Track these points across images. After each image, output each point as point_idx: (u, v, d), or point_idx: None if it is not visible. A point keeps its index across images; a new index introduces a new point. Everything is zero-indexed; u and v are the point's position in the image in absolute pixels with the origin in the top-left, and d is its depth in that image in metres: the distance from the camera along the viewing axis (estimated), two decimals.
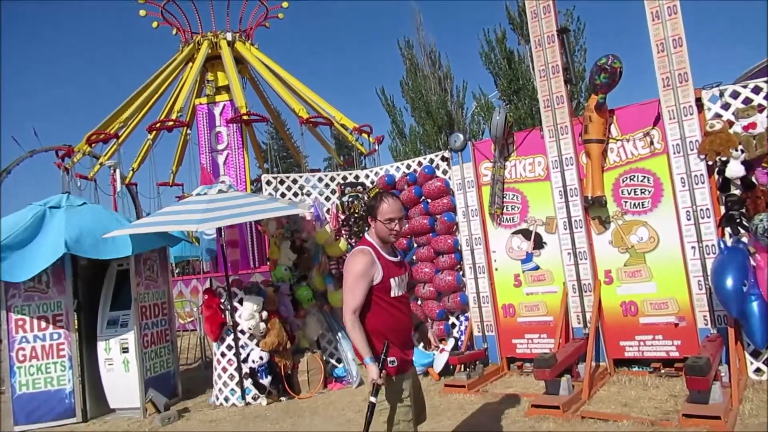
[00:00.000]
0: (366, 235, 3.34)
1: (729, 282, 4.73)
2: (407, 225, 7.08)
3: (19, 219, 6.46)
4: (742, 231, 5.15)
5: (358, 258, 3.13)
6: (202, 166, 16.30)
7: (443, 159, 7.32)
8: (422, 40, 21.93)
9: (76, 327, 6.58)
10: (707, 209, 5.36)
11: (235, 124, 16.41)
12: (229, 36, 18.25)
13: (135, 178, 18.59)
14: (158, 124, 16.28)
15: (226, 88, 17.25)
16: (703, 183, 5.38)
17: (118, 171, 15.14)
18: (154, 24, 18.66)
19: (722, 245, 5.12)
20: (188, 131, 17.45)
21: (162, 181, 19.58)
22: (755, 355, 5.19)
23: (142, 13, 18.58)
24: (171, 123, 15.97)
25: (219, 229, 6.99)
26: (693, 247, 5.45)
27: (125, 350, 6.45)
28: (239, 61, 18.14)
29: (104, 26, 61.91)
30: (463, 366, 6.29)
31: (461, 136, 7.07)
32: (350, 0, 59.90)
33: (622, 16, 44.45)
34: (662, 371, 5.66)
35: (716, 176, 5.32)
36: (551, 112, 6.28)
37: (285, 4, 19.65)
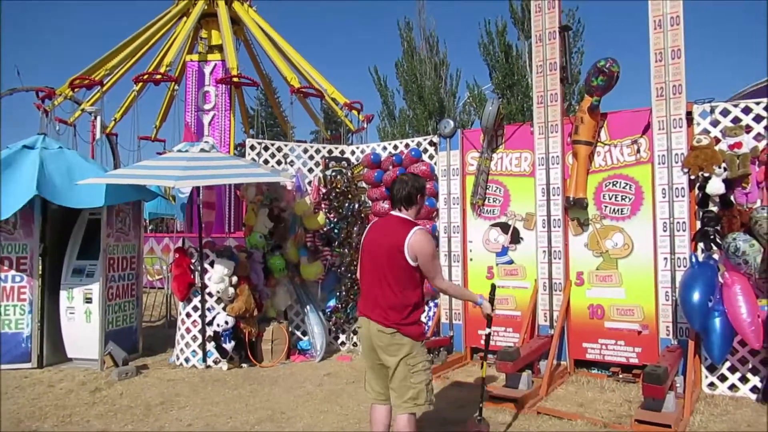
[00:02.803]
0: (407, 216, 3.38)
1: (695, 296, 4.82)
2: (387, 205, 7.05)
3: None
4: (715, 248, 5.23)
5: (429, 237, 3.32)
6: (187, 123, 15.99)
7: (431, 144, 7.28)
8: (423, 24, 21.74)
9: (40, 272, 6.44)
10: (684, 222, 5.43)
11: (224, 85, 16.11)
12: None
13: (116, 128, 18.20)
14: (145, 76, 15.92)
15: (219, 48, 16.89)
16: (683, 196, 5.44)
17: (99, 119, 14.80)
18: None
19: (694, 259, 5.20)
20: (176, 87, 17.08)
21: (144, 135, 19.19)
22: (711, 369, 5.31)
23: None
24: (159, 76, 15.63)
25: (196, 189, 6.88)
26: (665, 258, 5.53)
27: (88, 300, 6.34)
28: (235, 21, 17.75)
29: None
30: (427, 351, 6.32)
31: (451, 122, 7.03)
32: None
33: (622, 21, 44.58)
34: (620, 376, 5.76)
35: (696, 191, 5.38)
36: (544, 109, 6.26)
37: None
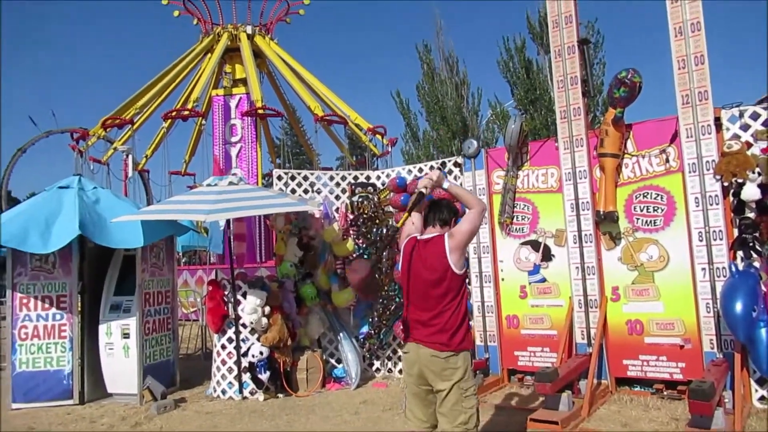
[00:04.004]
0: (440, 232, 3.41)
1: (738, 306, 4.65)
2: None
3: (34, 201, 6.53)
4: (755, 255, 5.08)
5: None
6: (215, 157, 16.34)
7: (456, 164, 7.27)
8: (441, 45, 21.89)
9: (79, 309, 6.60)
10: (720, 231, 5.29)
11: (250, 118, 16.42)
12: (249, 29, 18.26)
13: (147, 165, 18.64)
14: (174, 113, 16.32)
15: (243, 81, 17.27)
16: (717, 204, 5.30)
17: (131, 157, 15.19)
18: (176, 13, 18.73)
19: (733, 269, 5.04)
20: (203, 122, 17.47)
21: (174, 169, 19.62)
22: (761, 382, 5.10)
23: (164, 1, 18.66)
24: (186, 112, 16.00)
25: (227, 221, 6.99)
26: (703, 269, 5.38)
27: (126, 336, 6.46)
28: (258, 54, 18.16)
29: (127, 13, 62.40)
30: None
31: (475, 142, 7.02)
32: (370, 1, 59.92)
33: (643, 30, 44.18)
34: (665, 393, 5.58)
35: (731, 198, 5.24)
36: (567, 124, 6.22)
37: (306, 1, 19.66)
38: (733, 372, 4.96)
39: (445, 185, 3.39)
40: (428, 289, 3.28)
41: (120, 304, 6.58)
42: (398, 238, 3.69)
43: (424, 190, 3.36)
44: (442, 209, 3.43)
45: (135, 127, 16.09)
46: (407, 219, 3.46)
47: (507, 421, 5.11)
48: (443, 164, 7.36)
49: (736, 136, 5.26)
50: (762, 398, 5.09)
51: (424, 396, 3.33)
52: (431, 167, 7.46)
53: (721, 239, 5.29)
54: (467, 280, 3.34)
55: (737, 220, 5.21)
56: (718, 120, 5.36)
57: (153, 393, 6.37)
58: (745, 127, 5.26)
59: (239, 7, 18.76)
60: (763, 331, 4.68)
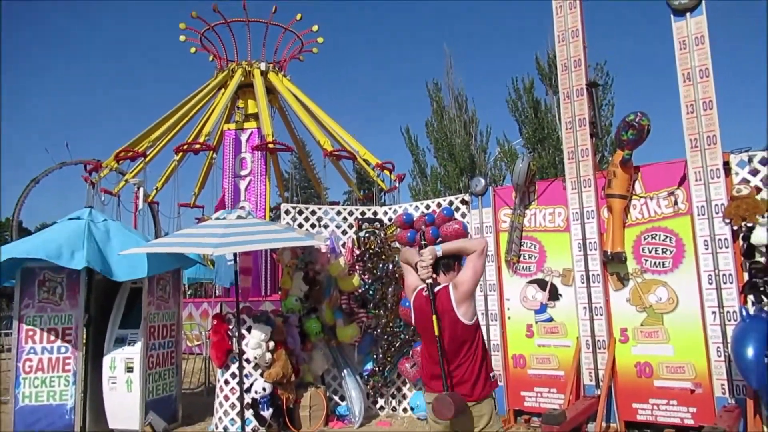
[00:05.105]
0: (446, 281, 3.31)
1: (750, 351, 4.57)
2: None
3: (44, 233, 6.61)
4: (766, 300, 5.01)
5: None
6: (224, 190, 16.47)
7: (463, 202, 7.30)
8: (451, 83, 22.21)
9: (84, 342, 6.58)
10: (730, 274, 5.24)
11: (260, 152, 16.63)
12: (263, 66, 18.66)
13: (158, 197, 18.83)
14: (185, 146, 16.56)
15: (255, 116, 17.55)
16: (727, 248, 5.27)
17: (142, 189, 15.37)
18: (192, 50, 19.20)
19: (744, 313, 4.97)
20: (214, 155, 17.71)
21: (183, 202, 19.80)
22: None
23: (182, 38, 19.14)
24: (198, 146, 16.22)
25: (234, 255, 7.00)
26: (713, 312, 5.31)
27: (130, 369, 6.42)
28: (270, 90, 18.50)
29: (145, 49, 63.96)
30: None
31: (483, 180, 7.06)
32: (383, 40, 61.15)
33: (652, 73, 44.68)
34: None
35: (741, 242, 5.21)
36: (575, 164, 6.25)
37: (320, 39, 20.09)
38: (746, 419, 4.85)
39: (440, 253, 3.27)
40: (439, 340, 3.20)
41: (125, 337, 6.56)
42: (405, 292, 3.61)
43: (430, 281, 3.24)
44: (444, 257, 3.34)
45: (147, 159, 16.33)
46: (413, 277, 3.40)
47: None
48: (450, 203, 7.38)
49: (745, 181, 5.27)
50: None
51: None
52: (438, 204, 7.49)
53: (731, 283, 5.24)
54: (479, 325, 3.27)
55: (747, 264, 5.16)
56: (726, 164, 5.37)
57: (154, 429, 6.30)
58: (755, 172, 5.26)
59: (254, 44, 19.15)
60: None
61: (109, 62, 67.26)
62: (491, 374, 3.32)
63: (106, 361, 6.47)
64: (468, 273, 3.21)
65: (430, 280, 3.23)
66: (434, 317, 3.16)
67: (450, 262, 3.33)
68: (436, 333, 3.15)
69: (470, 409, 3.16)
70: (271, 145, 16.15)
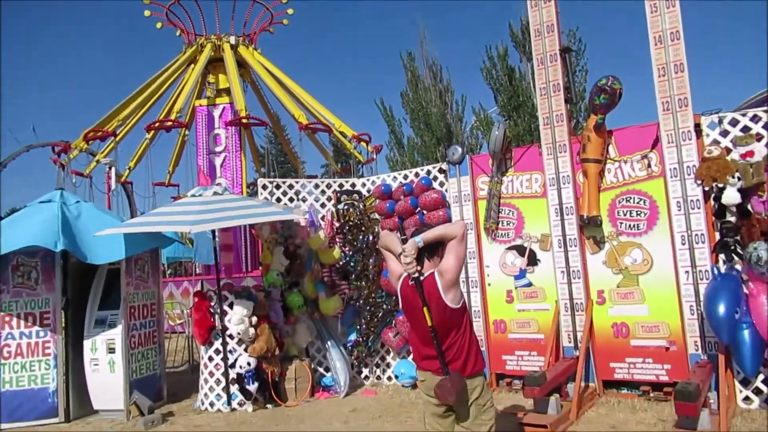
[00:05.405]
0: (431, 267, 3.29)
1: (721, 309, 4.72)
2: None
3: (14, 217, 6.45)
4: (736, 258, 5.16)
5: None
6: (199, 167, 16.23)
7: (441, 171, 7.31)
8: (425, 53, 22.01)
9: (63, 325, 6.50)
10: (702, 235, 5.37)
11: (234, 127, 16.36)
12: (232, 39, 18.22)
13: (131, 177, 18.46)
14: (157, 124, 16.21)
15: (227, 91, 17.21)
16: (698, 208, 5.39)
17: (114, 169, 15.05)
18: (159, 25, 18.63)
19: (716, 271, 5.12)
20: (186, 132, 17.39)
21: (158, 181, 19.48)
22: (745, 383, 5.18)
23: (146, 13, 18.53)
24: (169, 123, 15.89)
25: (213, 232, 6.95)
26: (686, 272, 5.45)
27: (111, 351, 6.38)
28: (241, 64, 18.12)
29: (108, 25, 61.97)
30: None
31: (459, 149, 7.07)
32: (354, 11, 60.09)
33: (624, 38, 44.82)
34: (651, 395, 5.64)
35: (712, 202, 5.34)
36: (550, 130, 6.29)
37: (290, 11, 19.64)
38: (718, 373, 5.03)
39: (421, 244, 3.22)
40: (427, 322, 3.23)
41: (105, 319, 6.50)
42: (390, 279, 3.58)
43: (417, 275, 3.20)
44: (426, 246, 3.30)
45: (118, 139, 15.96)
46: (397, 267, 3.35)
47: (496, 426, 5.11)
48: (428, 172, 7.39)
49: (716, 142, 5.37)
50: (746, 398, 5.17)
51: (443, 413, 3.39)
52: (416, 174, 7.48)
53: (703, 242, 5.37)
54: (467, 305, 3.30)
55: (719, 224, 5.29)
56: (698, 126, 5.46)
57: (140, 408, 6.29)
58: (725, 133, 5.36)
59: (222, 18, 18.66)
60: (745, 333, 4.75)
61: (70, 39, 65.08)
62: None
63: (87, 343, 6.42)
64: (451, 260, 3.21)
65: (416, 274, 3.20)
66: (425, 309, 3.17)
67: (434, 248, 3.31)
68: (429, 324, 3.18)
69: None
70: (244, 120, 15.90)
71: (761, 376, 5.08)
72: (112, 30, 62.11)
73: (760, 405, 5.09)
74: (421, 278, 3.22)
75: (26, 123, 64.41)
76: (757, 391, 5.13)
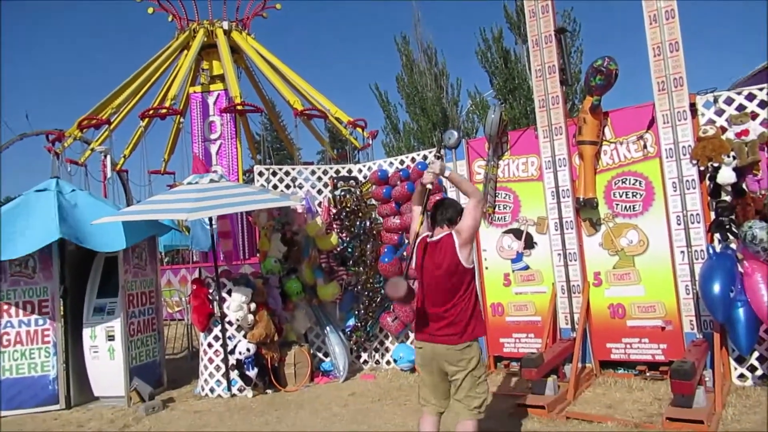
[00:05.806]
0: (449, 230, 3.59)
1: (716, 288, 4.76)
2: (398, 221, 7.07)
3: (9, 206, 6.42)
4: (731, 237, 5.19)
5: None
6: (195, 155, 16.18)
7: (437, 156, 7.28)
8: (419, 36, 21.92)
9: (62, 313, 6.52)
10: (697, 214, 5.39)
11: (228, 114, 16.30)
12: (225, 25, 18.09)
13: (126, 165, 18.44)
14: (151, 112, 16.15)
15: (221, 78, 17.12)
16: (694, 188, 5.41)
17: (109, 157, 15.01)
18: (150, 10, 18.46)
19: (711, 251, 5.15)
20: (181, 119, 17.31)
21: (153, 169, 19.42)
22: (740, 361, 5.23)
23: None
24: (164, 111, 15.84)
25: (210, 219, 6.95)
26: (682, 252, 5.48)
27: (111, 338, 6.40)
28: (235, 50, 18.00)
29: (99, 11, 61.25)
30: None
31: (455, 133, 6.97)
32: None
33: (619, 18, 44.57)
34: (647, 374, 5.69)
35: (707, 182, 5.35)
36: (546, 113, 6.28)
37: None
38: (713, 351, 5.08)
39: (447, 173, 3.60)
40: (440, 284, 3.50)
41: (104, 307, 6.51)
42: (407, 237, 3.96)
43: (429, 186, 3.57)
44: (448, 209, 3.64)
45: (112, 127, 15.91)
46: (422, 221, 3.64)
47: (494, 407, 5.17)
48: (424, 157, 7.38)
49: (711, 121, 5.37)
50: (741, 376, 5.23)
51: (438, 383, 3.57)
52: (412, 159, 7.48)
53: (698, 222, 5.39)
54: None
55: (714, 204, 5.31)
56: (693, 106, 5.45)
57: (140, 394, 6.33)
58: (720, 112, 5.36)
59: (215, 3, 18.52)
60: (740, 311, 4.79)
61: (61, 26, 64.40)
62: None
63: (87, 330, 6.43)
64: (468, 221, 3.50)
65: (430, 186, 3.57)
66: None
67: (452, 216, 3.60)
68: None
69: (462, 351, 3.43)
70: (239, 107, 15.85)
71: (756, 354, 5.14)
72: (103, 16, 61.47)
73: (755, 382, 5.15)
74: (438, 236, 3.53)
75: (19, 111, 63.98)
76: (752, 369, 5.18)
